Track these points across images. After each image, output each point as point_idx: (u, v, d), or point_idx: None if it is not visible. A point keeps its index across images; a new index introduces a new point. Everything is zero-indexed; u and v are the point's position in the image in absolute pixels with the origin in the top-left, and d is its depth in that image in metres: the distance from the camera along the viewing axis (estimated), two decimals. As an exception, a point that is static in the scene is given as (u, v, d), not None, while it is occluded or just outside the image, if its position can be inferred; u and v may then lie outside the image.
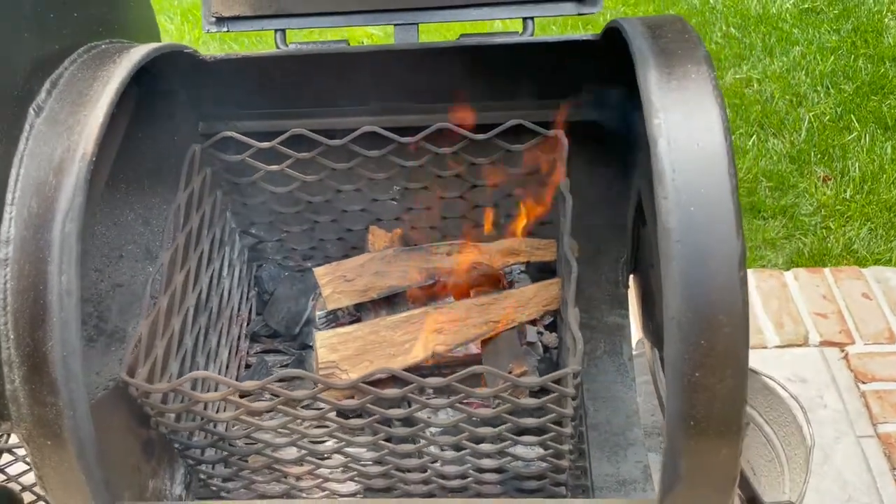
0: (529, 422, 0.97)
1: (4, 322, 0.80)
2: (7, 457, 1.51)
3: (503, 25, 3.21)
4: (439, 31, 3.44)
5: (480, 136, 1.20)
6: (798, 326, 2.13)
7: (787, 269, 2.35)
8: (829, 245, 2.46)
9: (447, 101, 1.25)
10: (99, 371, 1.05)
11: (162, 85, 1.13)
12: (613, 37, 1.01)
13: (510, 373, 1.14)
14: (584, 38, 1.14)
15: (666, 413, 0.79)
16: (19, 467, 1.54)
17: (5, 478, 1.52)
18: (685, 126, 0.80)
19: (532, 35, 1.20)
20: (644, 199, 1.17)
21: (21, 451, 1.51)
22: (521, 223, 1.34)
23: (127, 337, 1.11)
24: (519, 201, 1.34)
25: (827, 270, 2.31)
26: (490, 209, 1.35)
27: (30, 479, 1.54)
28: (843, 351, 2.06)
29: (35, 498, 1.53)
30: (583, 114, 1.26)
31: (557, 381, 0.92)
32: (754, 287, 2.27)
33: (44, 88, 0.90)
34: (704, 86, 0.83)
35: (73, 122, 0.86)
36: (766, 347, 2.09)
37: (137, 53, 0.95)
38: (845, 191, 2.63)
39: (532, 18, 1.20)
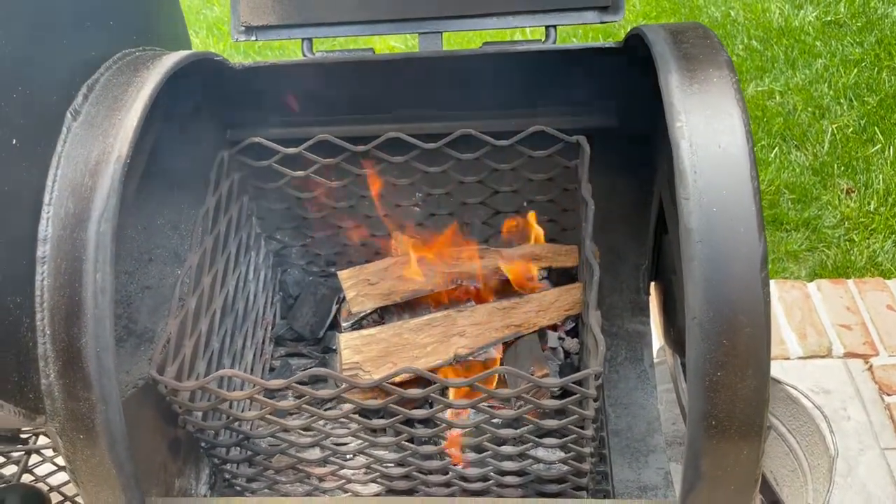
0: (550, 424, 0.98)
1: (41, 318, 0.83)
2: (35, 458, 1.53)
3: (522, 34, 3.24)
4: (463, 39, 3.47)
5: (503, 143, 1.22)
6: (821, 338, 2.12)
7: (811, 282, 2.34)
8: (852, 258, 2.44)
9: (470, 108, 1.27)
10: (129, 370, 1.07)
11: (192, 92, 1.16)
12: (635, 44, 1.03)
13: (531, 375, 1.14)
14: (607, 45, 1.15)
15: (688, 413, 0.80)
16: (47, 468, 1.56)
17: (34, 478, 1.55)
18: (707, 128, 0.81)
19: (554, 43, 1.22)
20: (666, 205, 1.18)
21: (49, 453, 1.54)
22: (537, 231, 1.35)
23: (155, 338, 1.14)
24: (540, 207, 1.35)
25: (851, 282, 2.29)
26: (512, 215, 1.37)
27: (57, 479, 1.57)
28: (867, 363, 2.05)
29: (62, 499, 1.55)
30: (604, 121, 1.27)
31: (579, 383, 0.93)
32: (777, 298, 2.26)
33: (81, 93, 0.93)
34: (726, 89, 0.84)
35: (109, 125, 0.89)
36: (788, 359, 2.07)
37: (170, 60, 0.98)
38: (869, 203, 2.61)
39: (554, 27, 1.22)
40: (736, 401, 0.77)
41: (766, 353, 0.76)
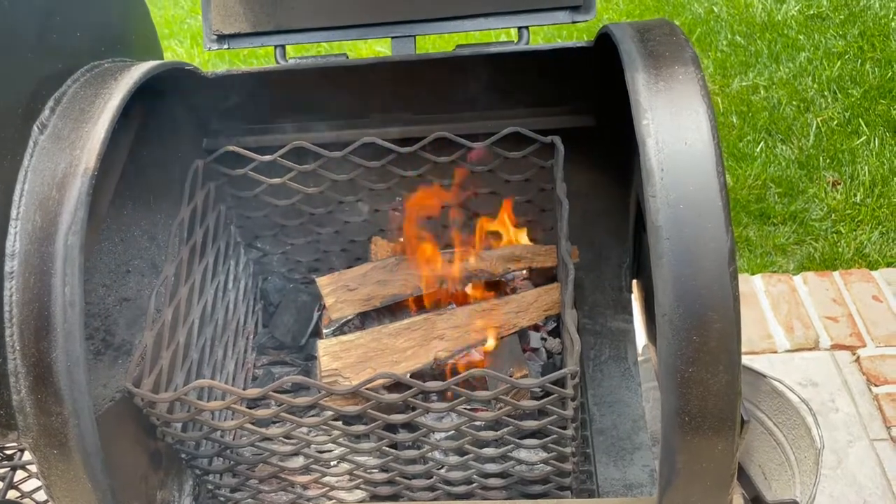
0: (531, 424, 0.98)
1: (11, 333, 0.82)
2: (21, 473, 1.53)
3: (507, 35, 3.24)
4: (436, 42, 3.48)
5: (478, 145, 1.21)
6: (808, 330, 2.12)
7: (798, 274, 2.34)
8: (840, 249, 2.45)
9: (445, 111, 1.27)
10: (106, 383, 1.06)
11: (165, 102, 1.15)
12: (606, 43, 1.03)
13: (511, 376, 1.14)
14: (578, 45, 1.15)
15: (661, 409, 0.80)
16: (33, 483, 1.56)
17: (20, 494, 1.54)
18: (673, 125, 0.81)
19: (527, 44, 1.22)
20: (641, 202, 1.18)
21: (34, 468, 1.53)
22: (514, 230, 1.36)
23: (133, 350, 1.13)
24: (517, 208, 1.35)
25: (836, 274, 2.30)
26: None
27: (44, 495, 1.56)
28: (854, 354, 2.05)
29: (49, 514, 1.55)
30: (580, 120, 1.27)
31: (558, 383, 0.93)
32: (763, 292, 2.26)
33: (47, 106, 0.92)
34: (691, 86, 0.84)
35: (76, 138, 0.89)
36: (776, 352, 2.07)
37: (138, 71, 0.98)
38: (855, 195, 2.62)
39: (527, 28, 1.22)
40: (708, 396, 0.77)
41: (737, 347, 0.76)
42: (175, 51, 3.79)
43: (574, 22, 1.21)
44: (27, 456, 1.52)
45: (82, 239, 0.83)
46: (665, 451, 0.80)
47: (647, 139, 0.81)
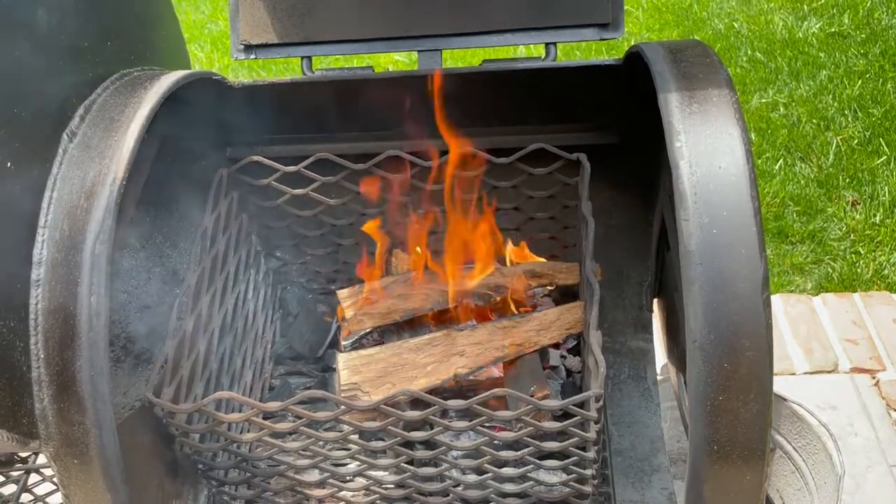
0: (552, 446, 0.97)
1: (35, 342, 0.82)
2: (35, 477, 1.53)
3: (526, 51, 3.24)
4: (463, 57, 3.47)
5: (503, 160, 1.21)
6: (827, 352, 2.10)
7: (816, 295, 2.32)
8: (859, 270, 2.42)
9: (470, 126, 1.26)
10: (126, 391, 1.06)
11: (191, 110, 1.15)
12: (635, 61, 1.02)
13: (532, 396, 1.13)
14: (607, 62, 1.15)
15: (689, 437, 0.78)
16: (47, 487, 1.55)
17: (33, 498, 1.54)
18: (707, 149, 0.80)
19: (554, 60, 1.21)
20: (667, 222, 1.17)
21: (48, 472, 1.53)
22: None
23: (154, 358, 1.13)
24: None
25: (856, 295, 2.27)
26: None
27: (57, 499, 1.56)
28: (874, 378, 2.02)
29: (61, 518, 1.54)
30: (605, 137, 1.27)
31: (580, 405, 0.92)
32: (782, 312, 2.24)
33: (77, 114, 0.93)
34: (726, 109, 0.83)
35: (105, 146, 0.89)
36: (794, 374, 2.05)
37: (167, 80, 0.98)
38: (875, 215, 2.59)
39: (554, 44, 1.22)
40: (738, 425, 0.76)
41: (769, 376, 0.75)
42: (196, 55, 3.81)
43: (602, 39, 1.21)
44: (41, 459, 1.52)
45: (110, 248, 0.83)
46: (691, 479, 0.79)
47: (680, 162, 0.80)
